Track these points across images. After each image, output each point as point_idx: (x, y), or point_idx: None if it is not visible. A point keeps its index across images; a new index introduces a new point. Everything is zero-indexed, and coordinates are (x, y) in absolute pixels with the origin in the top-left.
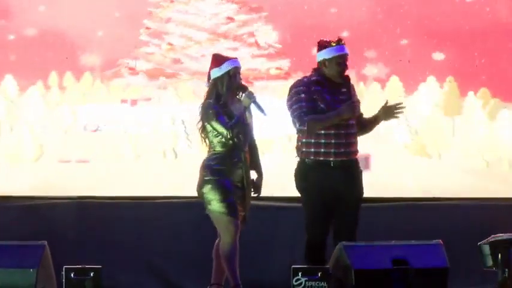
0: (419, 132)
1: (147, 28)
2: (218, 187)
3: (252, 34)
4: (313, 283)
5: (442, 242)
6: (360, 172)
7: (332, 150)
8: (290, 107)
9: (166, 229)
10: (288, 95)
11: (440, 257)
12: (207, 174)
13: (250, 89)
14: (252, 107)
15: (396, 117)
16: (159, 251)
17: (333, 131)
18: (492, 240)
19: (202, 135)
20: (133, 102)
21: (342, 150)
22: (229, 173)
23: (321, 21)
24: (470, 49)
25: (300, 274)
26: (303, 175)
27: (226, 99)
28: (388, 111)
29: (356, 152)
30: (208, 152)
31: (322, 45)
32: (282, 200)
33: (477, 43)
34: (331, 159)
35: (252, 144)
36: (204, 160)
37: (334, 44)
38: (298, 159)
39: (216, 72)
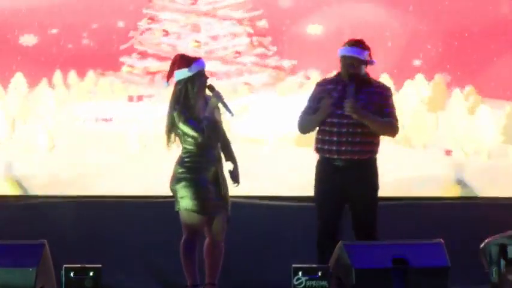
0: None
1: (150, 18)
2: (192, 184)
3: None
4: (313, 282)
5: (443, 241)
6: (372, 174)
7: (334, 148)
8: None
9: (167, 228)
10: None
11: (441, 256)
12: (182, 172)
13: (216, 88)
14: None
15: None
16: (159, 250)
17: (335, 129)
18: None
19: (171, 137)
20: (139, 98)
21: (344, 148)
22: (203, 171)
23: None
24: (460, 46)
25: (300, 273)
26: (316, 171)
27: (197, 100)
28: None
29: (367, 152)
30: (182, 149)
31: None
32: (285, 199)
33: (467, 40)
34: (335, 157)
35: (224, 139)
36: (179, 157)
37: (346, 45)
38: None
39: (186, 73)
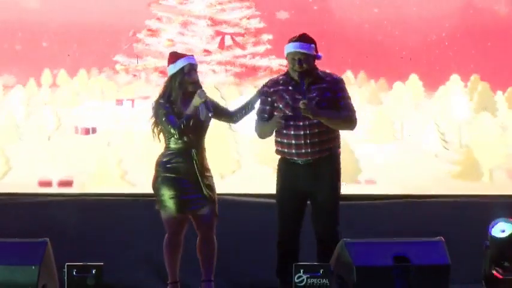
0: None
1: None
2: (170, 184)
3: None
4: (315, 280)
5: (443, 239)
6: (329, 171)
7: (293, 151)
8: None
9: None
10: None
11: (442, 254)
12: (159, 171)
13: (203, 87)
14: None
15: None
16: (160, 248)
17: (292, 132)
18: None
19: (155, 131)
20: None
21: (303, 151)
22: (181, 170)
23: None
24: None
25: (301, 271)
26: (277, 172)
27: (177, 96)
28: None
29: (326, 150)
30: (164, 148)
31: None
32: None
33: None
34: (295, 158)
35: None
36: (158, 157)
37: (291, 41)
38: None
39: (172, 69)
